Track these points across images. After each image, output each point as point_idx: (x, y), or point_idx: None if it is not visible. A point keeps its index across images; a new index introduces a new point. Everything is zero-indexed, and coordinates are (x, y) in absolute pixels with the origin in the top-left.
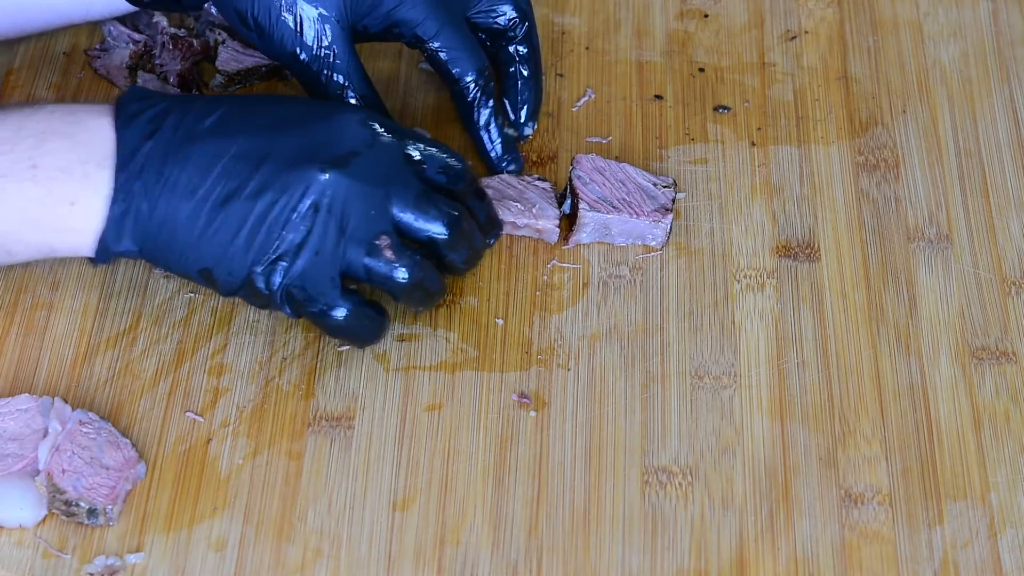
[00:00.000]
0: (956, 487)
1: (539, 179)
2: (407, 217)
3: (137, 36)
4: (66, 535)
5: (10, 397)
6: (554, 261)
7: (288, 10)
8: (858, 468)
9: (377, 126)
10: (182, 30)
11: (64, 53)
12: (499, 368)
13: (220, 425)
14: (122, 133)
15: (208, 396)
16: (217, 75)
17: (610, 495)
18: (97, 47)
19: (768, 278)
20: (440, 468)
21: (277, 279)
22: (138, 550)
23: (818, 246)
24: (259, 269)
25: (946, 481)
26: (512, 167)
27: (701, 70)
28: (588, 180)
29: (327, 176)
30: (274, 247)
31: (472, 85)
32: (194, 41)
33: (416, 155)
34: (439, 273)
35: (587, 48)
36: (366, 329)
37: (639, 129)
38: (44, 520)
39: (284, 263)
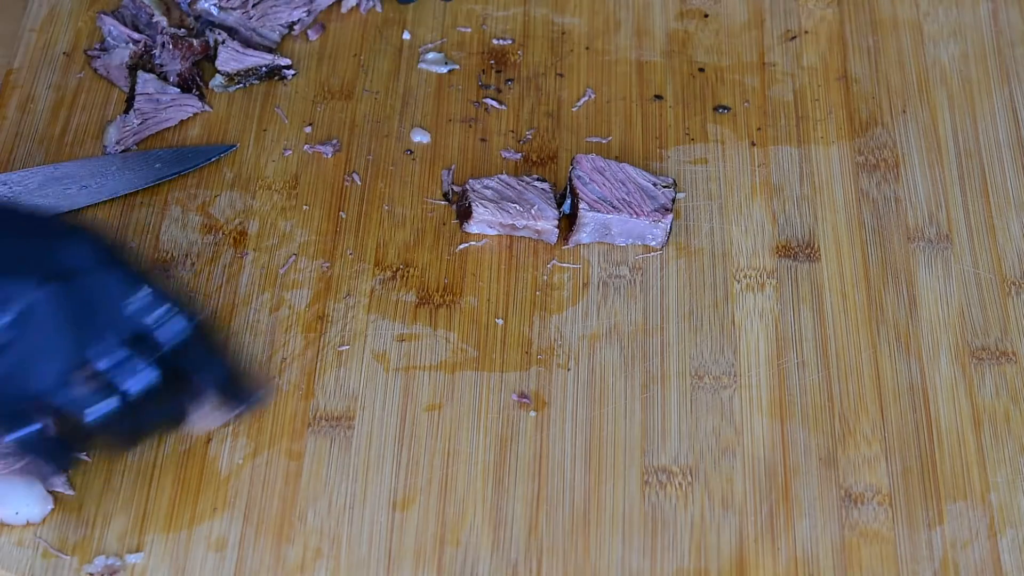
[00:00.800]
0: (956, 487)
1: (538, 179)
2: (103, 363)
3: (137, 36)
4: (66, 535)
5: None
6: (554, 261)
7: None
8: (858, 468)
9: (109, 251)
10: (182, 30)
11: (64, 53)
12: (499, 368)
13: (220, 425)
14: None
15: None
16: (217, 75)
17: (610, 495)
18: (97, 47)
19: (768, 278)
20: (440, 468)
21: None
22: (138, 550)
23: (818, 246)
24: None
25: (946, 481)
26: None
27: (701, 70)
28: (588, 180)
29: (43, 290)
30: None
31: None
32: (194, 41)
33: (142, 293)
34: (135, 427)
35: (587, 48)
36: (52, 457)
37: (639, 129)
38: (45, 520)
39: None
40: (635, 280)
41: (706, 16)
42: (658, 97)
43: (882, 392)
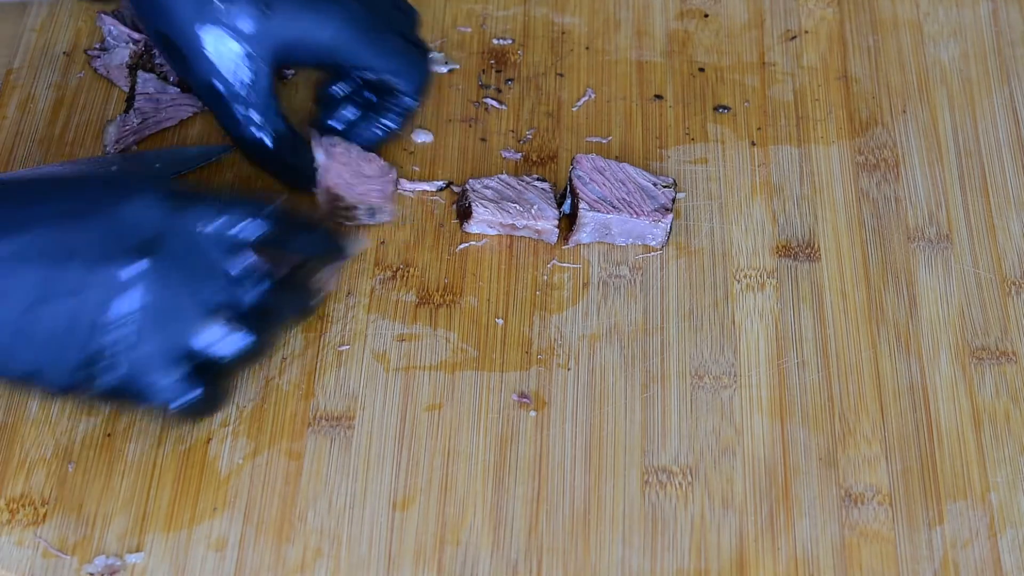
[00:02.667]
0: (956, 487)
1: (538, 179)
2: (227, 292)
3: (137, 36)
4: (66, 535)
5: None
6: (554, 261)
7: (211, 43)
8: (858, 468)
9: (174, 201)
10: None
11: (64, 53)
12: (499, 368)
13: (220, 425)
14: None
15: None
16: None
17: (610, 495)
18: (97, 47)
19: (768, 278)
20: (440, 468)
21: (107, 379)
22: (138, 550)
23: (818, 246)
24: (84, 372)
25: (946, 481)
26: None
27: (701, 70)
28: (588, 180)
29: (142, 266)
30: (99, 348)
31: (412, 99)
32: None
33: (220, 221)
34: (274, 330)
35: (587, 48)
36: (212, 406)
37: (639, 129)
38: (44, 519)
39: (113, 362)
40: (635, 280)
41: (706, 16)
42: (658, 97)
43: (882, 392)
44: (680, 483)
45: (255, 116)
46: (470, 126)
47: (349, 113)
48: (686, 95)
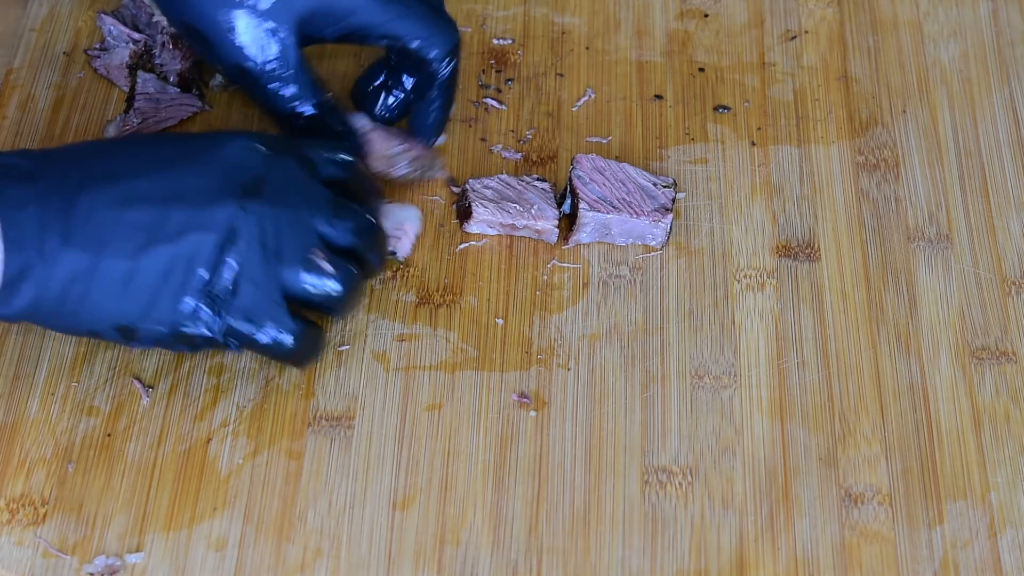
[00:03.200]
0: (956, 487)
1: (538, 179)
2: (328, 229)
3: (137, 36)
4: (66, 535)
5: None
6: (554, 261)
7: (234, 25)
8: (858, 468)
9: (266, 146)
10: None
11: (64, 53)
12: (499, 368)
13: (220, 425)
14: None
15: (208, 396)
16: (217, 75)
17: (610, 495)
18: (97, 47)
19: (768, 278)
20: (440, 468)
21: (218, 319)
22: (138, 550)
23: (818, 246)
24: (196, 313)
25: (946, 481)
26: (434, 141)
27: (701, 70)
28: (588, 180)
29: (245, 206)
30: (208, 288)
31: (444, 65)
32: None
33: (312, 159)
34: (361, 277)
35: (587, 48)
36: (313, 347)
37: (639, 129)
38: (44, 519)
39: (224, 301)
40: (635, 280)
41: (706, 16)
42: (658, 97)
43: (882, 392)
44: (680, 483)
45: (289, 90)
46: (470, 126)
47: (393, 99)
48: (686, 95)
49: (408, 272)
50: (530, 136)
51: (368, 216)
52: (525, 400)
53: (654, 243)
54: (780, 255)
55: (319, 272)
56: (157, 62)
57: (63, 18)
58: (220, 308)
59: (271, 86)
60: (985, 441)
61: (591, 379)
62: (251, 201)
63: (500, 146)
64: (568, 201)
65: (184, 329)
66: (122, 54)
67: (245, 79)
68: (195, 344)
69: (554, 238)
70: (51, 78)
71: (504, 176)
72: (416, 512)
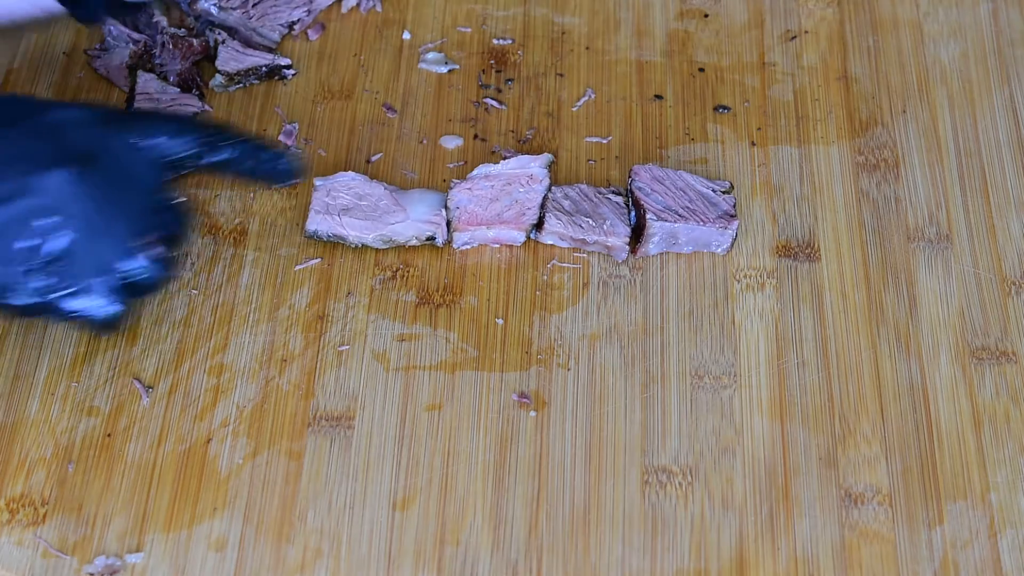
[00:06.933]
0: (956, 487)
1: (614, 191)
2: (155, 217)
3: (137, 36)
4: (66, 535)
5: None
6: (554, 261)
7: None
8: (858, 468)
9: (110, 118)
10: (182, 30)
11: (64, 53)
12: (499, 368)
13: (220, 425)
14: None
15: (208, 396)
16: (217, 75)
17: (610, 495)
18: (97, 47)
19: (768, 278)
20: (440, 468)
21: (39, 288)
22: (138, 550)
23: (818, 246)
24: (24, 283)
25: (946, 481)
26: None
27: (701, 70)
28: (649, 191)
29: (75, 175)
30: (33, 256)
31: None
32: (194, 41)
33: (151, 141)
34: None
35: (587, 48)
36: (124, 319)
37: (639, 129)
38: (44, 519)
39: (46, 268)
40: (635, 280)
41: (706, 16)
42: (658, 97)
43: (882, 392)
44: (680, 483)
45: None
46: (470, 126)
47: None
48: (686, 95)
49: (408, 272)
50: (530, 136)
51: (187, 202)
52: (525, 400)
53: (719, 250)
54: (780, 255)
55: (147, 255)
56: (157, 62)
57: (63, 18)
58: (41, 274)
59: None
60: (985, 441)
61: (591, 379)
62: (82, 171)
63: (500, 146)
64: (632, 213)
65: (7, 297)
66: (122, 54)
67: None
68: (29, 311)
69: (624, 255)
70: (51, 78)
71: (583, 186)
72: (416, 512)
